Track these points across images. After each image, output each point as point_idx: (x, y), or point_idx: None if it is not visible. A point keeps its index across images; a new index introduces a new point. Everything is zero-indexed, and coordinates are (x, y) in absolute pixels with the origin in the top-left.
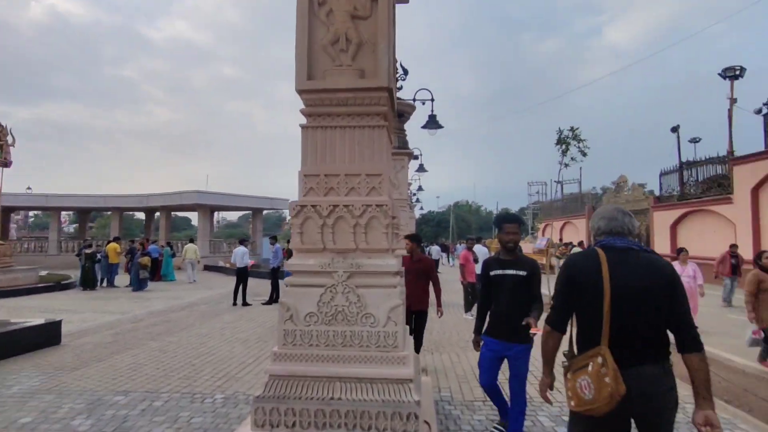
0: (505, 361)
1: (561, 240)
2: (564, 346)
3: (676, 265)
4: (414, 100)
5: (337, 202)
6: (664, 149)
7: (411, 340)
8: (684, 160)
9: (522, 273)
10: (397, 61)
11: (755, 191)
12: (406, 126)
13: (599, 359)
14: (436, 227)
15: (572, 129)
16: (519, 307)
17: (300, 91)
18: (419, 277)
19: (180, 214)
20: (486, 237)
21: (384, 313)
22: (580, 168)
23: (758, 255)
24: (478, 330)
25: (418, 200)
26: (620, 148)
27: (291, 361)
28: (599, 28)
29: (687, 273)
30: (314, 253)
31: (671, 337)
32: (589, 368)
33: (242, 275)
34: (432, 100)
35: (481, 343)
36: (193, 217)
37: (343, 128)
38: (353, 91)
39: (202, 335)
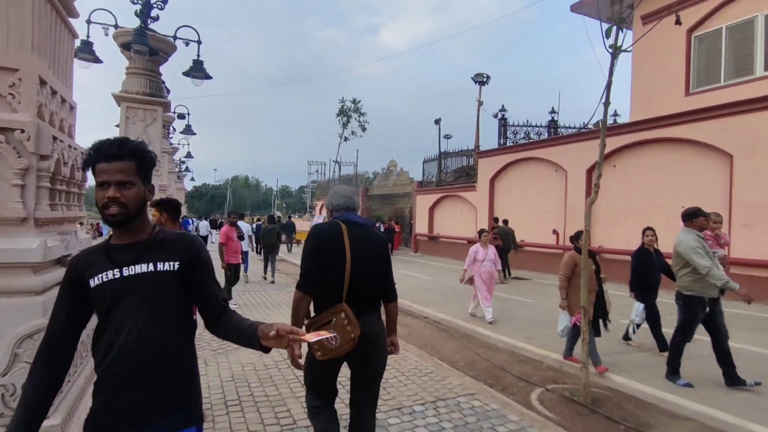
0: None
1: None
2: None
3: (477, 247)
4: (175, 38)
5: None
6: (428, 140)
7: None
8: (443, 150)
9: (170, 266)
10: None
11: (492, 181)
12: (168, 75)
13: (342, 314)
14: (211, 202)
15: (354, 101)
16: (171, 341)
17: None
18: None
19: None
20: (264, 213)
21: (7, 349)
22: (357, 150)
23: (575, 236)
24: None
25: (187, 169)
26: (393, 138)
27: None
28: (376, 27)
29: (489, 257)
30: None
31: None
32: (333, 322)
33: None
34: (199, 42)
35: None
36: None
37: None
38: None
39: None
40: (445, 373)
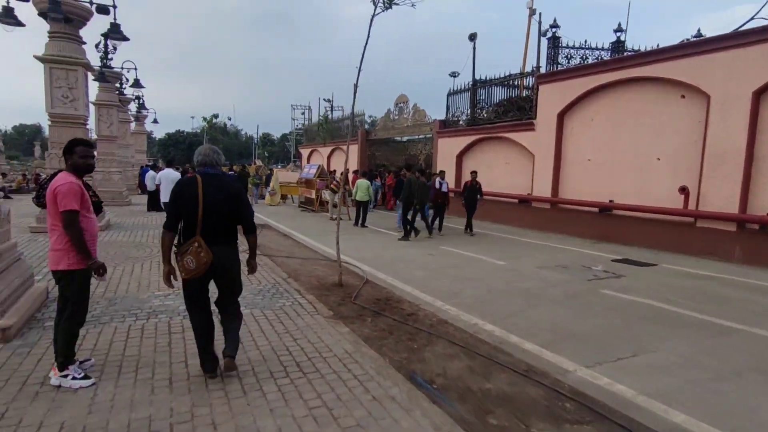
0: None
1: (329, 170)
2: None
3: None
4: (91, 3)
5: None
6: (435, 89)
7: None
8: (480, 78)
9: None
10: None
11: (561, 116)
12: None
13: (196, 244)
14: (187, 150)
15: None
16: None
17: None
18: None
19: None
20: (245, 162)
21: None
22: (355, 85)
23: None
24: None
25: (143, 106)
26: (390, 86)
27: None
28: None
29: None
30: None
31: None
32: (190, 250)
33: None
34: (114, 6)
35: None
36: None
37: None
38: None
39: None
40: None
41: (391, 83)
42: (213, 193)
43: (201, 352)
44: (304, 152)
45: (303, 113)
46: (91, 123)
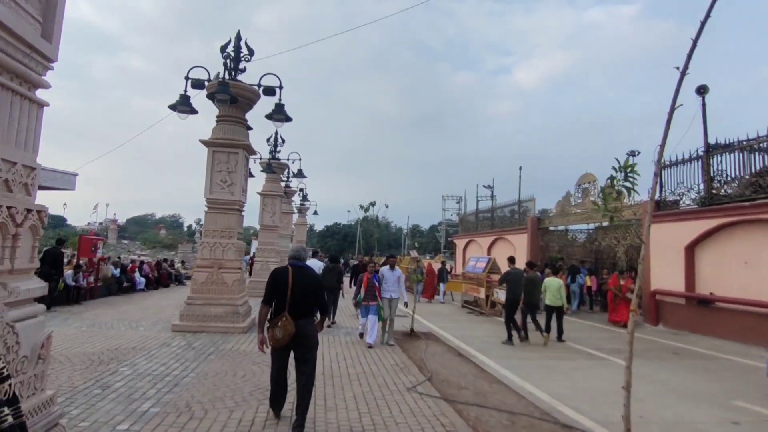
0: None
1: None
2: None
3: None
4: (259, 86)
5: None
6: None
7: None
8: (716, 142)
9: None
10: (241, 39)
11: None
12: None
13: (284, 318)
14: (342, 241)
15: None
16: None
17: None
18: None
19: None
20: (396, 253)
21: None
22: (520, 168)
23: None
24: None
25: (305, 198)
26: (561, 172)
27: None
28: (509, 68)
29: None
30: None
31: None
32: (279, 323)
33: None
34: (280, 87)
35: None
36: None
37: None
38: None
39: None
40: None
41: (548, 177)
42: (300, 280)
43: (272, 397)
44: (459, 243)
45: (457, 202)
46: (256, 212)
